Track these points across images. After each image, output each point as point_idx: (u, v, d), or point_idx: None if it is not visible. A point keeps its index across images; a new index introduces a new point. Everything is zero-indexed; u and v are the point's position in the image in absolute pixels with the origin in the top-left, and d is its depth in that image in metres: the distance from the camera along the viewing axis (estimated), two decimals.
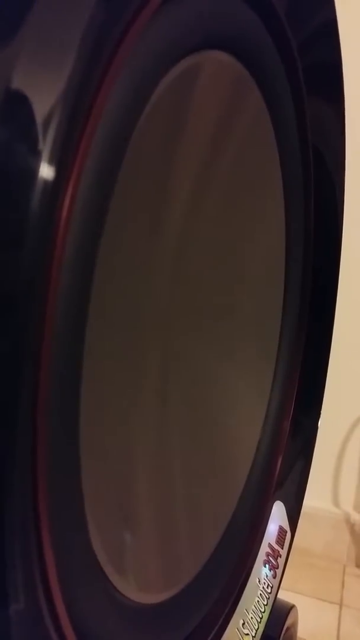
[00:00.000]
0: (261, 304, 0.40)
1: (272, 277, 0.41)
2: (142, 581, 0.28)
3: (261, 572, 0.42)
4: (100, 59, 0.17)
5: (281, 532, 0.45)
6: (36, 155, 0.16)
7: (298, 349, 0.45)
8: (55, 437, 0.18)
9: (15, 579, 0.17)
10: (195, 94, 0.26)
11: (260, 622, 0.39)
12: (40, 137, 0.16)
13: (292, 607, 0.50)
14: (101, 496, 0.23)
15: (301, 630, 0.54)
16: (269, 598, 0.41)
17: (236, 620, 0.38)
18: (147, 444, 0.28)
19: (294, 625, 0.51)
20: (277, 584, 0.43)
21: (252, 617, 0.39)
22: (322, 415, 0.52)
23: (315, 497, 1.08)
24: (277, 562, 0.43)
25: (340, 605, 1.00)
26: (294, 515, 0.47)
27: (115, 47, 0.18)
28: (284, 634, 0.46)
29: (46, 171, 0.16)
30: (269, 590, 0.41)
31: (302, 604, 0.52)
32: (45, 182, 0.16)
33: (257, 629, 0.39)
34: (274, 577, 0.43)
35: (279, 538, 0.45)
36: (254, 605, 0.39)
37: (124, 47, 0.19)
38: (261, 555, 0.42)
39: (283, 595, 0.45)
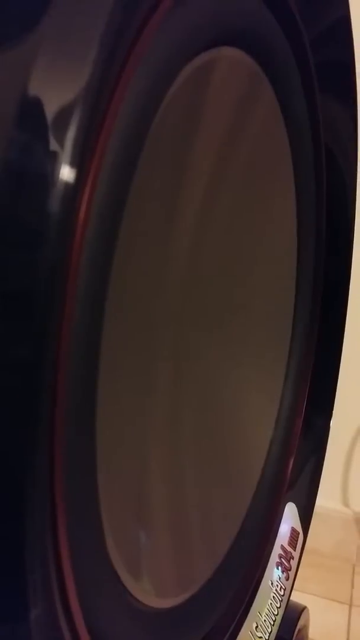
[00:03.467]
0: (273, 303, 0.40)
1: (284, 276, 0.41)
2: (156, 586, 0.28)
3: (274, 574, 0.42)
4: (117, 59, 0.17)
5: (293, 533, 0.45)
6: (55, 156, 0.15)
7: (310, 348, 0.45)
8: (72, 440, 0.18)
9: (34, 585, 0.17)
10: (209, 90, 0.26)
11: (273, 625, 0.39)
12: (59, 138, 0.16)
13: (304, 608, 0.50)
14: (117, 500, 0.23)
15: (311, 630, 0.54)
16: (281, 600, 0.41)
17: (249, 624, 0.37)
18: (162, 447, 0.28)
19: (306, 627, 0.51)
20: (290, 586, 0.43)
21: (265, 620, 0.39)
22: (332, 415, 0.52)
23: (325, 496, 1.08)
24: (290, 564, 0.43)
25: (350, 605, 1.00)
26: (306, 517, 0.47)
27: (132, 46, 0.18)
28: (296, 636, 0.46)
29: (65, 172, 0.16)
30: (281, 593, 0.41)
31: (312, 604, 0.52)
32: (64, 183, 0.16)
33: (270, 631, 0.38)
34: (287, 579, 0.42)
35: (291, 540, 0.44)
36: (267, 608, 0.39)
37: (140, 45, 0.19)
38: (273, 558, 0.42)
39: (292, 595, 0.45)
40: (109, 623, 0.23)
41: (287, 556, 0.44)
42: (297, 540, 0.45)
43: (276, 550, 0.43)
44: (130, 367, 0.24)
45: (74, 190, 0.16)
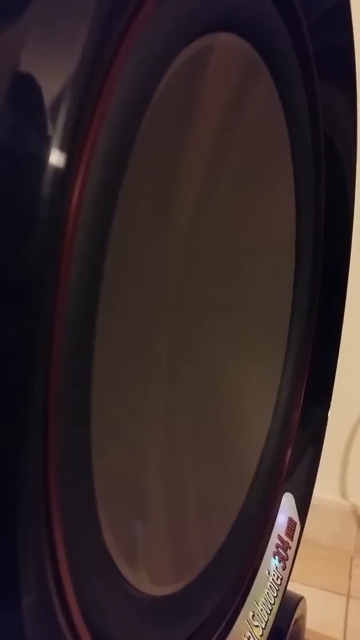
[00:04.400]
0: (271, 294, 0.40)
1: (282, 268, 0.40)
2: (152, 573, 0.28)
3: (271, 563, 0.42)
4: (110, 41, 0.17)
5: (291, 523, 0.45)
6: (46, 139, 0.15)
7: (308, 339, 0.45)
8: (66, 429, 0.18)
9: (27, 571, 0.17)
10: (206, 76, 0.26)
11: (270, 614, 0.39)
12: (50, 121, 0.15)
13: (301, 598, 0.50)
14: (112, 488, 0.23)
15: (308, 621, 0.54)
16: (278, 590, 0.41)
17: (246, 612, 0.37)
18: (157, 436, 0.27)
19: (303, 616, 0.51)
20: (287, 576, 0.43)
21: (261, 609, 0.39)
22: (330, 406, 0.52)
23: (322, 488, 1.08)
24: (287, 554, 0.43)
25: (348, 596, 1.00)
26: (303, 507, 0.47)
27: (126, 29, 0.18)
28: (293, 626, 0.46)
29: (56, 156, 0.15)
30: (278, 582, 0.41)
31: (309, 595, 0.52)
32: (56, 167, 0.15)
33: (267, 620, 0.39)
34: (284, 568, 0.43)
35: (288, 530, 0.45)
36: (264, 597, 0.39)
37: (134, 28, 0.18)
38: (271, 547, 0.42)
39: (290, 586, 0.45)
40: (105, 610, 0.23)
41: (284, 546, 0.44)
42: (294, 530, 0.45)
43: (273, 540, 0.43)
44: (126, 357, 0.24)
45: (65, 173, 0.15)
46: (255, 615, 0.38)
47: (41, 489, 0.17)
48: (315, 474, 0.49)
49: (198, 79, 0.25)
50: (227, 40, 0.27)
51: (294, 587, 0.47)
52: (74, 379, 0.19)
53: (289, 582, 0.44)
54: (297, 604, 0.48)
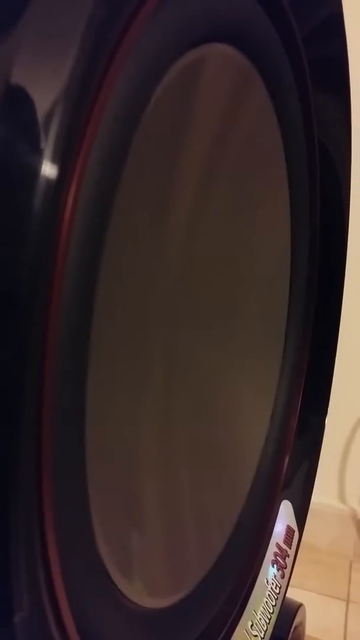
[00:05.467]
0: (267, 301, 0.40)
1: (278, 274, 0.40)
2: (149, 585, 0.28)
3: (269, 572, 0.41)
4: (102, 53, 0.17)
5: (289, 531, 0.45)
6: (38, 152, 0.15)
7: (304, 346, 0.45)
8: (60, 439, 0.18)
9: (20, 586, 0.17)
10: (199, 87, 0.26)
11: (268, 623, 0.39)
12: (42, 134, 0.15)
13: (300, 605, 0.50)
14: (107, 499, 0.23)
15: (308, 627, 0.54)
16: (277, 598, 0.41)
17: (244, 622, 0.37)
18: (154, 445, 0.27)
19: (302, 624, 0.51)
20: (286, 584, 0.43)
21: (260, 618, 0.38)
22: (328, 412, 0.52)
23: (321, 493, 1.08)
24: (285, 562, 0.43)
25: (347, 601, 1.00)
26: (301, 515, 0.47)
27: (118, 41, 0.18)
28: (292, 633, 0.46)
29: (49, 169, 0.15)
30: (277, 591, 0.41)
31: (309, 600, 0.52)
32: (48, 180, 0.15)
33: (266, 630, 0.38)
34: (282, 577, 0.42)
35: (286, 538, 0.44)
36: (262, 606, 0.39)
37: (127, 40, 0.18)
38: (269, 556, 0.42)
39: (289, 592, 0.45)
40: (100, 624, 0.23)
41: (283, 554, 0.44)
42: (292, 538, 0.45)
43: (271, 548, 0.43)
44: (121, 366, 0.24)
45: (58, 185, 0.15)
46: (254, 625, 0.38)
47: (35, 501, 0.17)
48: (313, 482, 0.49)
49: (192, 89, 0.25)
50: (221, 51, 0.27)
51: (293, 593, 0.46)
52: (68, 389, 0.18)
53: (288, 587, 0.44)
54: (296, 611, 0.48)
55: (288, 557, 0.44)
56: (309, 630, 0.54)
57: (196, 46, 0.24)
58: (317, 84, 0.36)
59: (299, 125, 0.36)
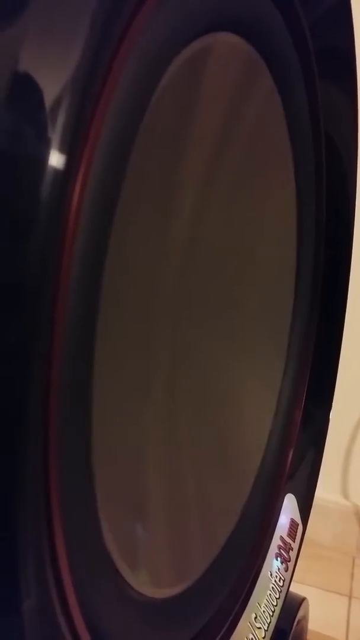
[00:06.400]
0: (272, 295, 0.39)
1: (284, 267, 0.40)
2: (154, 576, 0.28)
3: (273, 565, 0.42)
4: (110, 41, 0.17)
5: (292, 524, 0.45)
6: (46, 141, 0.15)
7: (309, 340, 0.45)
8: (67, 431, 0.18)
9: (27, 575, 0.17)
10: (205, 76, 0.25)
11: (272, 616, 0.39)
12: (50, 123, 0.15)
13: (303, 599, 0.50)
14: (113, 491, 0.23)
15: (310, 622, 0.54)
16: (280, 591, 0.41)
17: (248, 614, 0.37)
18: (158, 438, 0.27)
19: (305, 617, 0.51)
20: (289, 577, 0.43)
21: (264, 611, 0.39)
22: (332, 407, 0.52)
23: (324, 488, 1.08)
24: (289, 555, 0.43)
25: (350, 597, 1.00)
26: (305, 508, 0.47)
27: (126, 28, 0.18)
28: (296, 627, 0.46)
29: (56, 158, 0.15)
30: (280, 584, 0.41)
31: (311, 596, 0.52)
32: (56, 169, 0.15)
33: (270, 622, 0.39)
34: (286, 570, 0.43)
35: (290, 531, 0.44)
36: (266, 599, 0.39)
37: (134, 27, 0.18)
38: (273, 549, 0.42)
39: (292, 587, 0.45)
40: (106, 613, 0.23)
41: (287, 547, 0.44)
42: (296, 532, 0.45)
43: (275, 542, 0.43)
44: (127, 362, 0.24)
45: (66, 175, 0.15)
46: (258, 617, 0.38)
47: (42, 493, 0.17)
48: (317, 475, 0.49)
49: (198, 78, 0.25)
50: (227, 40, 0.27)
51: (295, 588, 0.46)
52: (74, 384, 0.18)
53: (291, 582, 0.44)
54: (300, 605, 0.48)
55: (292, 550, 0.44)
56: (311, 625, 0.54)
57: (202, 35, 0.24)
58: (324, 74, 0.36)
59: (305, 115, 0.36)
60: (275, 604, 0.40)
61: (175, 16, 0.22)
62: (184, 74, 0.23)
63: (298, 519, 0.46)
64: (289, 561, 0.43)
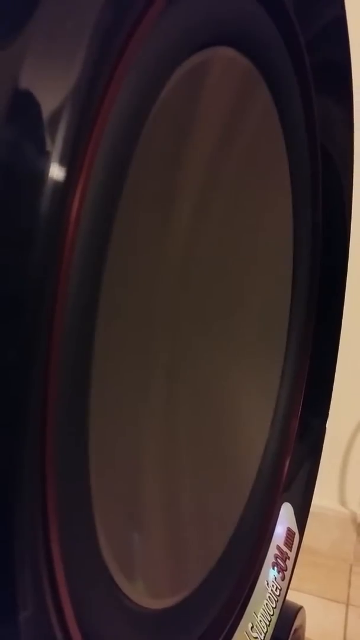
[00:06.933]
0: (269, 303, 0.40)
1: (280, 276, 0.41)
2: (150, 586, 0.28)
3: (269, 574, 0.42)
4: (109, 56, 0.17)
5: (289, 534, 0.45)
6: (45, 155, 0.15)
7: (306, 348, 0.45)
8: (64, 442, 0.18)
9: (24, 585, 0.17)
10: (204, 90, 0.26)
11: (269, 625, 0.39)
12: (49, 137, 0.16)
13: (300, 608, 0.50)
14: (110, 501, 0.23)
15: (308, 630, 0.54)
16: (277, 600, 0.41)
17: (245, 624, 0.37)
18: (155, 447, 0.27)
19: (302, 626, 0.51)
20: (286, 586, 0.43)
21: (260, 620, 0.38)
22: (329, 415, 0.52)
23: (321, 496, 1.08)
24: (286, 565, 0.43)
25: (347, 604, 1.00)
26: (302, 517, 0.47)
27: (125, 44, 0.18)
28: (292, 636, 0.46)
29: (55, 172, 0.15)
30: (277, 593, 0.41)
31: (309, 604, 0.52)
32: (55, 183, 0.15)
33: (266, 632, 0.38)
34: (283, 579, 0.42)
35: (287, 540, 0.44)
36: (263, 608, 0.39)
37: (133, 43, 0.18)
38: (269, 558, 0.42)
39: (289, 595, 0.45)
40: (103, 624, 0.23)
41: (283, 556, 0.44)
42: (293, 541, 0.45)
43: (272, 551, 0.43)
44: (124, 369, 0.24)
45: (64, 188, 0.16)
46: (254, 627, 0.38)
47: (38, 502, 0.17)
48: (314, 485, 0.49)
49: (196, 92, 0.25)
50: (225, 54, 0.27)
51: (292, 596, 0.46)
52: (71, 392, 0.19)
53: (288, 590, 0.44)
54: (296, 614, 0.48)
55: (288, 559, 0.44)
56: (308, 633, 0.54)
57: (200, 49, 0.24)
58: (320, 88, 0.36)
59: (301, 129, 0.36)
60: (272, 613, 0.40)
61: (174, 31, 0.22)
62: (182, 88, 0.23)
63: (295, 528, 0.46)
64: (286, 570, 0.43)
